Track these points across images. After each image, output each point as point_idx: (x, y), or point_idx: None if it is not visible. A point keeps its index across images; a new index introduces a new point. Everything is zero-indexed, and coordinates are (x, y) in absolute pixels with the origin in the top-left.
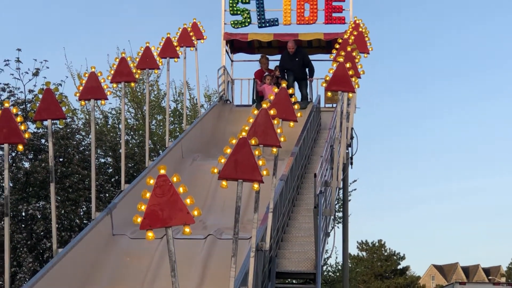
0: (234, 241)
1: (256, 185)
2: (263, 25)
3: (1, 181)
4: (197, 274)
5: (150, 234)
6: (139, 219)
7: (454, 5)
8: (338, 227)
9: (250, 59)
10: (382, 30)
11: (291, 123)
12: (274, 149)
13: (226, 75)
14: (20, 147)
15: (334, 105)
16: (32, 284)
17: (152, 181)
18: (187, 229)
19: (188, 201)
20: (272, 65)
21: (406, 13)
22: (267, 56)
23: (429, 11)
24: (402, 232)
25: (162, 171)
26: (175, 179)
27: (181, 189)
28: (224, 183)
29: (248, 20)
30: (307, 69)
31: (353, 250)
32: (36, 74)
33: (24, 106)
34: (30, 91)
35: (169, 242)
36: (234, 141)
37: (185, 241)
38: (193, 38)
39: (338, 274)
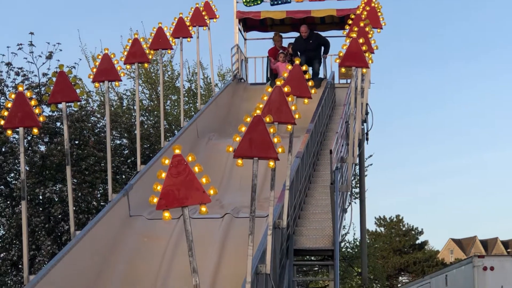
0: (251, 219)
1: (271, 163)
2: (276, 2)
3: (17, 165)
4: (215, 253)
5: (166, 214)
6: (155, 200)
7: None
8: (355, 203)
9: (263, 37)
10: (396, 4)
11: (306, 100)
12: (289, 126)
13: (240, 53)
14: (35, 130)
15: (349, 81)
16: (51, 267)
17: (167, 161)
18: (203, 209)
19: (204, 180)
20: (285, 43)
21: None
22: (280, 33)
23: None
24: (419, 207)
25: (177, 151)
26: (190, 158)
27: (196, 169)
28: (239, 161)
29: None
30: (322, 49)
31: (371, 226)
32: (49, 57)
33: (38, 89)
34: (44, 74)
35: (185, 221)
36: (248, 119)
37: (202, 220)
38: (205, 17)
39: (356, 250)
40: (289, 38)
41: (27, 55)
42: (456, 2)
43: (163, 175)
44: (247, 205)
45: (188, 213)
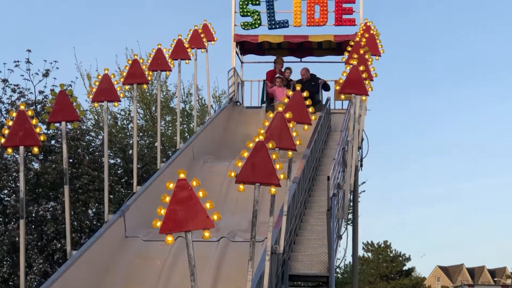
0: (252, 245)
1: (273, 189)
2: (273, 26)
3: (11, 182)
4: (210, 277)
5: (169, 238)
6: (159, 223)
7: (463, 6)
8: (345, 228)
9: (260, 61)
10: (391, 31)
11: (306, 126)
12: (290, 153)
13: (236, 76)
14: (36, 149)
15: (344, 106)
16: (47, 287)
17: (171, 185)
18: (206, 233)
19: (207, 205)
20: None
21: (415, 14)
22: (282, 57)
23: (438, 12)
24: (407, 233)
25: (182, 175)
26: (194, 183)
27: (200, 194)
28: (241, 186)
29: (258, 21)
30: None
31: (359, 250)
32: (46, 75)
33: (34, 107)
34: (40, 92)
35: (188, 246)
36: (251, 145)
37: (198, 243)
38: (204, 39)
39: (346, 275)
40: (287, 62)
41: (23, 72)
42: (447, 28)
43: (167, 199)
44: (243, 228)
45: (191, 237)
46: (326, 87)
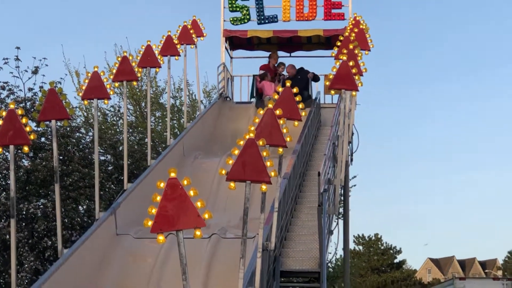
0: (243, 243)
1: (264, 186)
2: (263, 21)
3: (1, 180)
4: (201, 273)
5: (161, 237)
6: (150, 223)
7: (453, 3)
8: (336, 223)
9: (249, 56)
10: (381, 25)
11: (296, 123)
12: (280, 149)
13: (226, 72)
14: (26, 148)
15: (334, 102)
16: (39, 285)
17: (162, 185)
18: (198, 232)
19: (198, 204)
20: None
21: (405, 9)
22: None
23: (429, 8)
24: (398, 226)
25: (173, 174)
26: (185, 182)
27: (191, 192)
28: (232, 184)
29: (248, 17)
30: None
31: (349, 244)
32: (35, 72)
33: (24, 104)
34: (30, 89)
35: (180, 245)
36: (241, 142)
37: (189, 240)
38: (193, 35)
39: (336, 269)
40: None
41: (13, 69)
42: (436, 25)
43: (158, 198)
44: (234, 225)
45: (182, 236)
46: (316, 79)
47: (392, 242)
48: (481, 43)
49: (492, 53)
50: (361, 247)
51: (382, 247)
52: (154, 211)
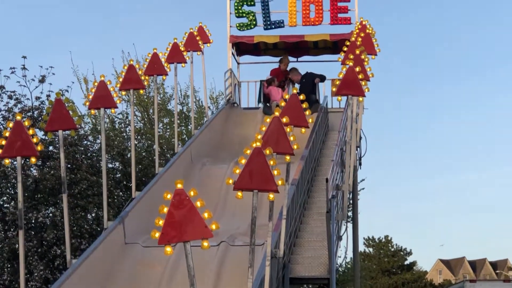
0: (251, 252)
1: (271, 195)
2: (269, 27)
3: (9, 188)
4: (210, 281)
5: (168, 249)
6: (157, 234)
7: (458, 4)
8: (345, 228)
9: (256, 61)
10: (387, 29)
11: (303, 129)
12: (288, 157)
13: (233, 77)
14: (33, 159)
15: (342, 106)
16: None
17: (169, 196)
18: (205, 243)
19: (206, 215)
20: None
21: (411, 12)
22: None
23: (434, 10)
24: (408, 228)
25: (179, 186)
26: (192, 193)
27: (198, 203)
28: (239, 193)
29: (254, 22)
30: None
31: (360, 246)
32: (42, 81)
33: (31, 113)
34: (37, 98)
35: (187, 257)
36: (248, 151)
37: (198, 248)
38: (199, 42)
39: (346, 272)
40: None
41: (20, 78)
42: (442, 26)
43: (165, 209)
44: (243, 232)
45: (190, 248)
46: (322, 79)
47: (403, 244)
48: (481, 44)
49: (498, 53)
50: (371, 249)
51: (393, 249)
52: (161, 222)
